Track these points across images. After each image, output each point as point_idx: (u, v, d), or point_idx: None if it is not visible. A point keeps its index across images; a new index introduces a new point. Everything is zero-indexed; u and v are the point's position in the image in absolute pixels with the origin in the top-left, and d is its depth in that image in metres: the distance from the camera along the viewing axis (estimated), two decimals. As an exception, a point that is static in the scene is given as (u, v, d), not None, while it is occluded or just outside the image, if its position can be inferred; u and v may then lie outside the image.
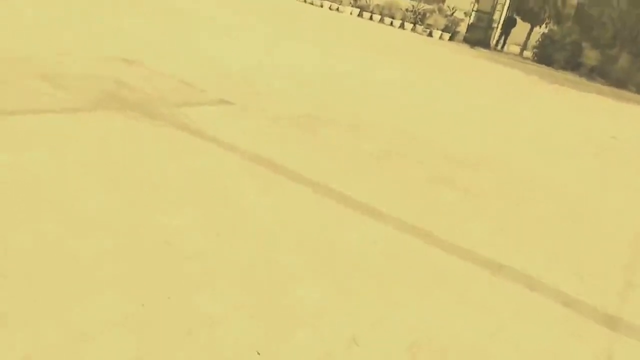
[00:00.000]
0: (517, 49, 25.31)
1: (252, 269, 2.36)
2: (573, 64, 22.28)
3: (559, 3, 23.50)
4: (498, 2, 25.06)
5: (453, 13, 23.40)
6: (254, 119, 4.44)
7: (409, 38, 20.02)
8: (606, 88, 19.25)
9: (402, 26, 23.64)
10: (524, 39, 24.57)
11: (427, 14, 23.43)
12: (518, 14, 25.06)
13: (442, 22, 23.04)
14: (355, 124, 5.29)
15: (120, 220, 2.45)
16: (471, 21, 24.22)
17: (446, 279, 2.75)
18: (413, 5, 23.97)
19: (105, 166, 2.92)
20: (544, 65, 22.11)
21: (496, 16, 25.12)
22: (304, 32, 13.32)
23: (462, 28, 23.93)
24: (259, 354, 1.92)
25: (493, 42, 25.07)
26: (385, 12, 24.08)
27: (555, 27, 23.63)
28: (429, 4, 23.93)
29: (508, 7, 26.15)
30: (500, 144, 6.16)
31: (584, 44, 22.31)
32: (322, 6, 24.24)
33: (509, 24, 23.49)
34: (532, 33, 24.63)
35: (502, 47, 23.51)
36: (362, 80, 8.10)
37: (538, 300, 2.78)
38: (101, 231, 2.34)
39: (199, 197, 2.87)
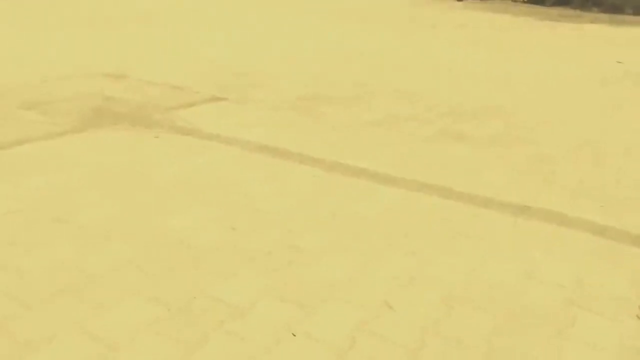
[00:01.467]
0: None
1: (273, 255, 2.32)
2: (565, -1, 21.80)
3: (540, -61, 22.92)
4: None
5: (435, -30, 22.93)
6: (250, 110, 4.38)
7: (393, 2, 19.70)
8: (602, 15, 18.82)
9: (387, -7, 23.24)
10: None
11: (410, -24, 22.99)
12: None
13: (426, -20, 22.60)
14: (354, 97, 5.20)
15: (133, 229, 2.41)
16: (455, -26, 23.75)
17: (471, 229, 2.68)
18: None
19: (107, 180, 2.88)
20: (535, 5, 21.65)
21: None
22: (286, 13, 13.15)
23: (447, -17, 23.48)
24: (294, 335, 1.88)
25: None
26: (368, -19, 23.70)
27: (540, -36, 23.09)
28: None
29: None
30: (503, 93, 6.03)
31: (572, -24, 21.79)
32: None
33: None
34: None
35: None
36: (352, 51, 7.98)
37: (567, 234, 2.70)
38: (117, 242, 2.31)
39: (206, 194, 2.82)
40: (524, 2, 22.70)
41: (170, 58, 6.41)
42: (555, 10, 19.87)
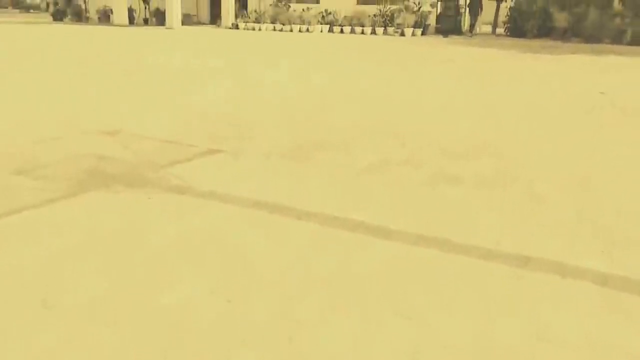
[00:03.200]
0: (489, 29, 24.97)
1: (272, 332, 2.13)
2: (545, 30, 21.96)
3: (519, -26, 23.21)
4: (461, -12, 24.83)
5: (420, 8, 23.18)
6: (245, 163, 4.23)
7: (381, 41, 19.84)
8: (583, 45, 18.92)
9: (373, 32, 23.46)
10: (492, 17, 24.26)
11: (395, 14, 23.22)
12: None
13: (411, 18, 22.82)
14: (347, 140, 5.07)
15: (122, 311, 2.22)
16: (439, 12, 24.00)
17: (473, 285, 2.51)
18: (379, 9, 23.79)
19: (98, 250, 2.71)
20: (518, 38, 21.81)
21: (462, 2, 24.89)
22: (277, 59, 13.16)
23: (432, 20, 23.70)
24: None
25: (466, 28, 24.81)
26: (354, 22, 23.91)
27: (520, -1, 23.35)
28: (394, 4, 23.73)
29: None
30: (492, 127, 5.91)
31: (551, 9, 21.99)
32: (291, 30, 24.11)
33: (473, 7, 23.15)
34: (500, 9, 24.34)
35: (471, 29, 23.18)
36: (342, 93, 7.90)
37: (570, 286, 2.53)
38: (104, 329, 2.11)
39: (201, 260, 2.65)
40: (507, 35, 22.87)
41: (165, 110, 6.31)
42: (537, 42, 19.99)
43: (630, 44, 19.74)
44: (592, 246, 2.95)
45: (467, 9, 23.00)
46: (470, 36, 21.87)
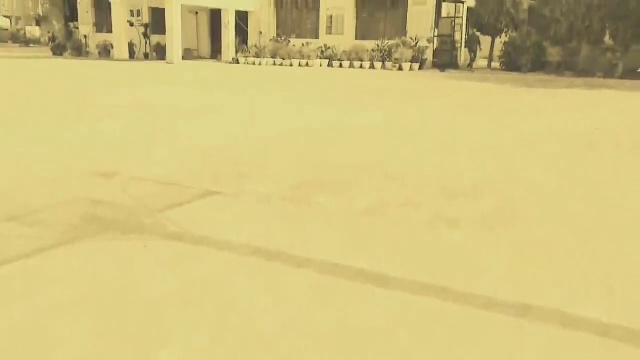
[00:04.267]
0: (485, 63, 25.23)
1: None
2: (540, 65, 22.19)
3: (512, 11, 23.57)
4: (456, 23, 25.19)
5: (417, 43, 23.45)
6: (245, 206, 4.16)
7: (379, 75, 20.00)
8: (576, 79, 19.07)
9: (372, 66, 23.67)
10: (488, 52, 24.54)
11: (393, 49, 23.47)
12: (478, 30, 25.13)
13: (409, 53, 23.07)
14: (346, 181, 5.01)
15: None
16: (436, 47, 24.28)
17: (474, 336, 2.41)
18: (377, 44, 24.06)
19: (91, 304, 2.61)
20: (513, 72, 22.02)
21: (457, 37, 25.21)
22: (276, 93, 13.21)
23: (429, 55, 23.95)
24: None
25: (463, 62, 25.06)
26: (353, 56, 24.16)
27: (514, 34, 23.66)
28: (392, 39, 24.00)
29: (466, 26, 26.29)
30: (491, 164, 5.86)
31: (545, 44, 22.26)
32: (291, 65, 24.33)
33: (472, 42, 23.41)
34: (495, 44, 24.63)
35: (471, 65, 23.39)
36: (340, 129, 7.87)
37: (572, 338, 2.43)
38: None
39: (197, 314, 2.55)
40: (502, 69, 23.09)
41: (163, 148, 6.22)
42: (531, 76, 20.16)
43: (622, 77, 19.95)
44: (593, 294, 2.86)
45: (467, 45, 23.24)
46: (472, 71, 22.00)
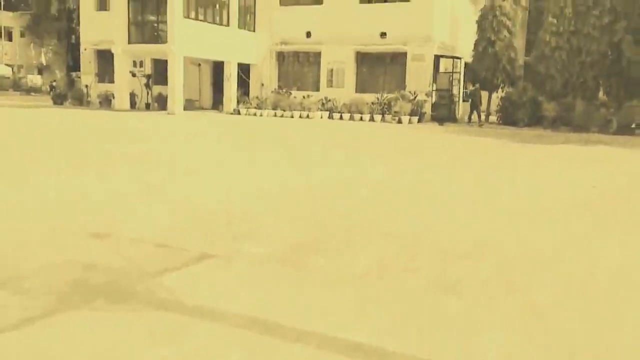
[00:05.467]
0: (482, 116, 25.49)
1: None
2: (536, 119, 22.44)
3: (508, 67, 24.02)
4: (454, 78, 25.64)
5: (416, 97, 23.78)
6: (240, 270, 4.04)
7: (378, 128, 20.16)
8: (572, 135, 19.23)
9: (372, 119, 23.92)
10: (485, 106, 24.84)
11: (392, 103, 23.77)
12: (474, 85, 25.53)
13: (408, 107, 23.35)
14: (343, 242, 4.92)
15: None
16: (434, 101, 24.62)
17: None
18: (377, 98, 24.39)
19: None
20: (510, 127, 22.23)
21: (455, 91, 25.61)
22: (274, 146, 13.25)
23: (428, 108, 24.25)
24: None
25: (461, 116, 25.35)
26: (353, 109, 24.45)
27: (510, 89, 24.04)
28: (391, 92, 24.33)
29: (464, 81, 26.76)
30: (488, 224, 5.78)
31: (540, 99, 22.58)
32: (292, 116, 24.58)
33: (474, 100, 23.63)
34: (492, 99, 24.99)
35: (470, 119, 23.54)
36: (340, 186, 7.83)
37: None
38: None
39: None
40: (499, 123, 23.32)
41: (160, 206, 6.10)
42: (528, 131, 20.34)
43: (616, 133, 20.15)
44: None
45: (469, 100, 23.50)
46: (481, 125, 22.17)
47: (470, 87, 25.65)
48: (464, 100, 26.90)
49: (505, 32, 23.64)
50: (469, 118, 23.26)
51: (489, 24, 23.61)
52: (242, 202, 6.48)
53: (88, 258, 4.13)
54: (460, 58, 25.80)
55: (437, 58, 24.72)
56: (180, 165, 9.32)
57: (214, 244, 4.62)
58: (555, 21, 22.07)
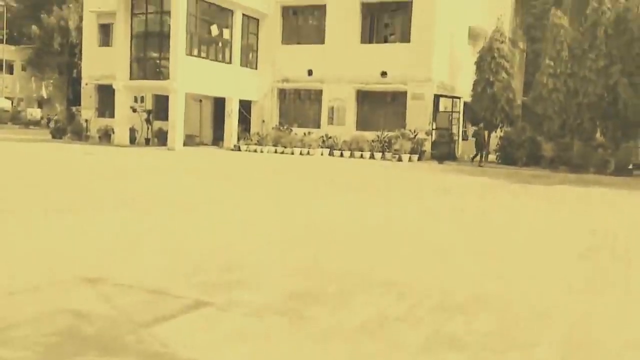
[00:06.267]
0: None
1: None
2: (535, 159, 22.56)
3: (507, 108, 24.28)
4: (453, 117, 25.89)
5: (415, 135, 23.95)
6: (235, 320, 3.98)
7: (379, 166, 20.22)
8: (570, 175, 19.29)
9: (372, 156, 24.03)
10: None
11: (392, 140, 23.93)
12: (473, 125, 25.78)
13: (408, 145, 23.49)
14: (342, 292, 4.86)
15: None
16: (434, 139, 24.79)
17: None
18: (377, 135, 24.55)
19: None
20: (509, 166, 22.33)
21: (455, 130, 25.83)
22: (273, 184, 13.26)
23: (427, 146, 24.40)
24: None
25: (460, 154, 25.50)
26: (354, 146, 24.58)
27: (509, 129, 24.24)
28: (392, 130, 24.50)
29: (463, 120, 27.01)
30: (489, 272, 5.73)
31: (539, 139, 22.76)
32: (292, 153, 24.68)
33: (479, 140, 23.67)
34: (491, 138, 25.18)
35: (474, 158, 23.37)
36: (338, 229, 7.80)
37: None
38: None
39: None
40: (498, 163, 23.43)
41: (155, 248, 6.04)
42: (526, 171, 20.41)
43: (614, 173, 20.27)
44: None
45: (475, 139, 23.63)
46: (480, 165, 22.20)
47: (470, 127, 25.90)
48: (463, 139, 27.12)
49: (504, 74, 23.99)
50: (474, 158, 23.19)
51: (487, 65, 23.97)
52: (239, 245, 6.44)
53: (79, 305, 4.07)
54: (459, 98, 26.11)
55: (436, 97, 25.02)
56: (176, 204, 9.29)
57: (210, 292, 4.56)
58: (552, 64, 22.42)
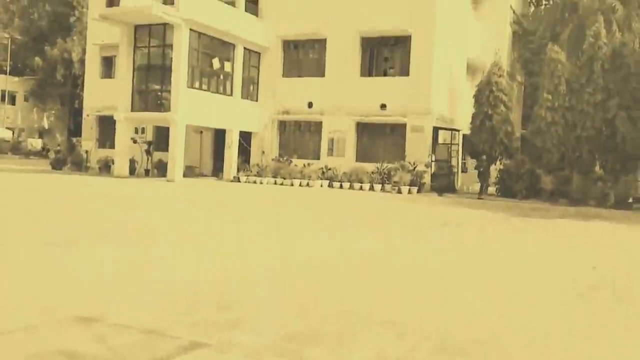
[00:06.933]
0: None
1: None
2: (534, 191, 22.59)
3: (505, 141, 24.40)
4: (452, 149, 26.03)
5: (415, 167, 24.03)
6: (234, 360, 3.95)
7: (378, 198, 20.23)
8: (570, 209, 19.28)
9: (371, 188, 24.07)
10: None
11: (392, 172, 24.00)
12: (472, 157, 25.89)
13: (407, 177, 23.55)
14: (340, 332, 4.82)
15: None
16: (433, 171, 24.88)
17: None
18: (377, 167, 24.64)
19: None
20: (508, 199, 22.34)
21: (454, 162, 25.94)
22: (275, 218, 13.26)
23: (427, 178, 24.45)
24: None
25: (460, 186, 25.55)
26: (353, 178, 24.64)
27: (508, 162, 24.33)
28: (391, 162, 24.58)
29: (462, 152, 27.14)
30: (490, 311, 5.69)
31: (538, 171, 22.82)
32: (292, 184, 24.72)
33: (483, 173, 23.72)
34: (490, 171, 25.25)
35: (480, 192, 23.25)
36: (337, 264, 7.76)
37: None
38: None
39: None
40: (497, 195, 23.45)
41: (150, 286, 5.97)
42: (526, 204, 20.41)
43: (614, 206, 20.29)
44: None
45: (478, 172, 23.68)
46: (482, 198, 22.22)
47: (470, 159, 26.02)
48: (462, 171, 27.22)
49: (502, 107, 24.20)
50: (480, 191, 23.17)
51: (485, 98, 24.20)
52: (235, 280, 6.40)
53: (74, 346, 4.03)
54: (458, 130, 26.31)
55: (436, 130, 25.20)
56: (172, 238, 9.27)
57: (206, 331, 4.52)
58: (550, 97, 22.64)
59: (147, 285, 6.00)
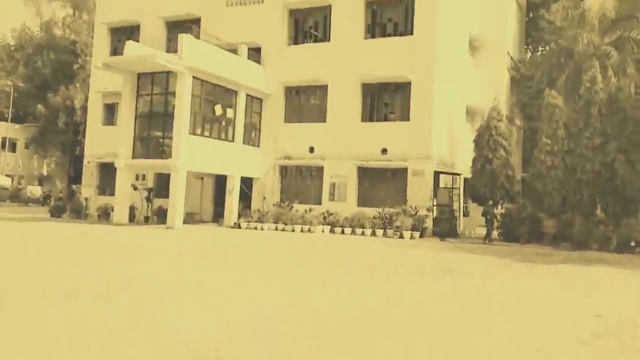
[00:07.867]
0: (482, 231, 25.80)
1: None
2: (537, 235, 22.73)
3: (507, 184, 24.69)
4: (453, 193, 26.27)
5: (417, 212, 24.20)
6: None
7: (380, 244, 20.32)
8: (573, 253, 19.39)
9: (373, 233, 24.19)
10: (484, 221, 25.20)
11: (394, 217, 24.15)
12: (474, 201, 26.13)
13: (409, 221, 23.71)
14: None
15: None
16: (435, 215, 25.05)
17: None
18: (379, 212, 24.80)
19: None
20: (511, 243, 22.46)
21: (456, 206, 26.14)
22: (274, 270, 13.36)
23: (429, 223, 24.60)
24: None
25: (462, 230, 25.69)
26: (355, 223, 24.78)
27: (510, 205, 24.55)
28: (393, 207, 24.75)
29: (464, 196, 27.38)
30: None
31: (540, 215, 23.01)
32: (293, 230, 24.84)
33: (489, 218, 23.82)
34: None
35: (487, 237, 23.35)
36: (337, 320, 7.87)
37: None
38: None
39: None
40: (500, 239, 23.57)
41: (145, 346, 5.94)
42: (529, 249, 20.52)
43: (616, 250, 20.42)
44: None
45: (485, 217, 23.85)
46: (487, 243, 22.36)
47: (471, 203, 26.24)
48: (464, 215, 27.41)
49: (502, 151, 24.61)
50: (486, 237, 23.30)
51: (485, 142, 24.64)
52: (233, 337, 6.40)
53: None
54: (459, 174, 26.64)
55: (437, 174, 25.53)
56: (168, 292, 9.33)
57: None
58: (549, 141, 23.05)
59: (139, 344, 5.92)
